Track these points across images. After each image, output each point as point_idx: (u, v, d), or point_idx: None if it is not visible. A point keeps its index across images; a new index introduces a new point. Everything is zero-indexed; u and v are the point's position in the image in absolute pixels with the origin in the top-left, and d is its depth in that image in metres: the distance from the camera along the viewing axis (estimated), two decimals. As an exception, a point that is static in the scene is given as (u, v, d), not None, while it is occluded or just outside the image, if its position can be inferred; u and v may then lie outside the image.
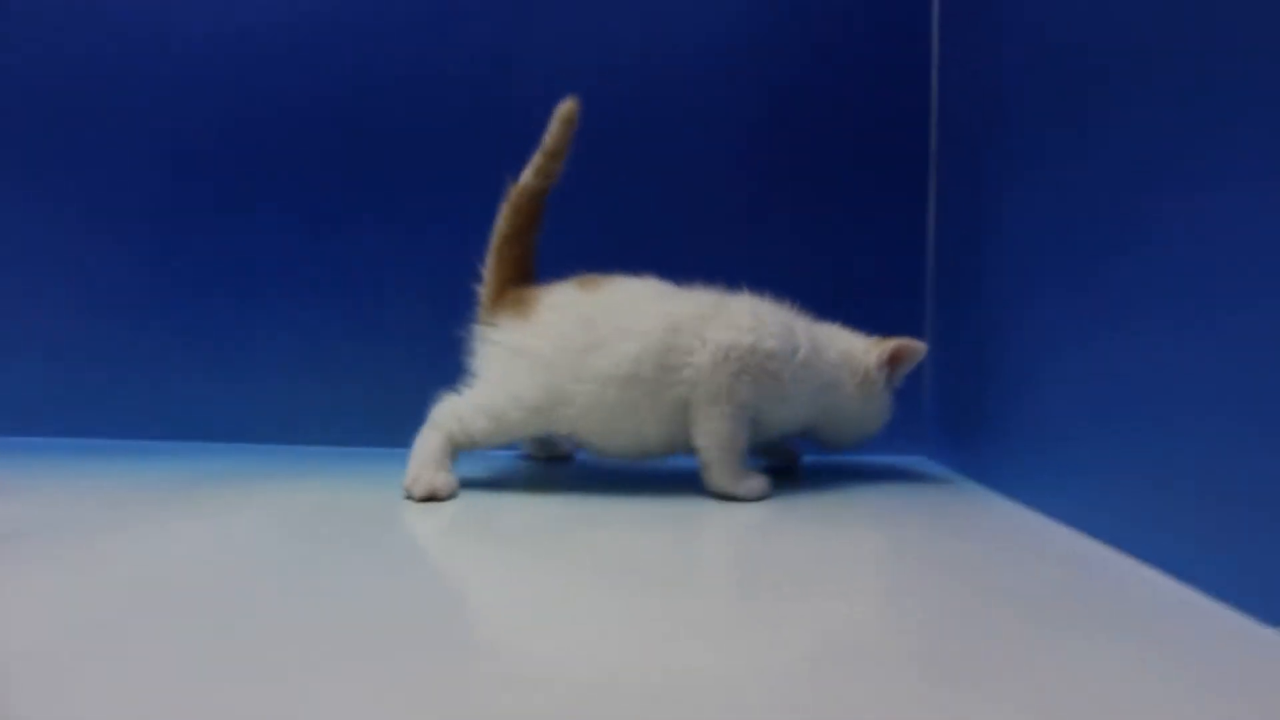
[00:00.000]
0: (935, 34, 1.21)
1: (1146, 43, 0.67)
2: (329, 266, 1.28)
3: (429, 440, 0.93)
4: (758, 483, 0.92)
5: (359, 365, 1.27)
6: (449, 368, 1.06)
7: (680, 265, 1.00)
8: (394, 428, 1.15)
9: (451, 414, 0.93)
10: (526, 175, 1.00)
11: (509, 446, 1.14)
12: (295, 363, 1.28)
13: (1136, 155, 0.68)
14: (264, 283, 1.29)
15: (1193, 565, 0.59)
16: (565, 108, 1.00)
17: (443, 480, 0.89)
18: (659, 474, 1.05)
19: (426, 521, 0.80)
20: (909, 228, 1.22)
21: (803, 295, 1.03)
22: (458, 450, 0.94)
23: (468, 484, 0.97)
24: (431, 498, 0.88)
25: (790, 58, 1.23)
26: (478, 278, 1.01)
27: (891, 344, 1.00)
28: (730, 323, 0.92)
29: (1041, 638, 0.50)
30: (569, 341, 0.91)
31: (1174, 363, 0.62)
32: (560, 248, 1.03)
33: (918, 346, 1.00)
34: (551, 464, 1.15)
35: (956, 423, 1.10)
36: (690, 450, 0.93)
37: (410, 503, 0.87)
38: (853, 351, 1.01)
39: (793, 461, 1.13)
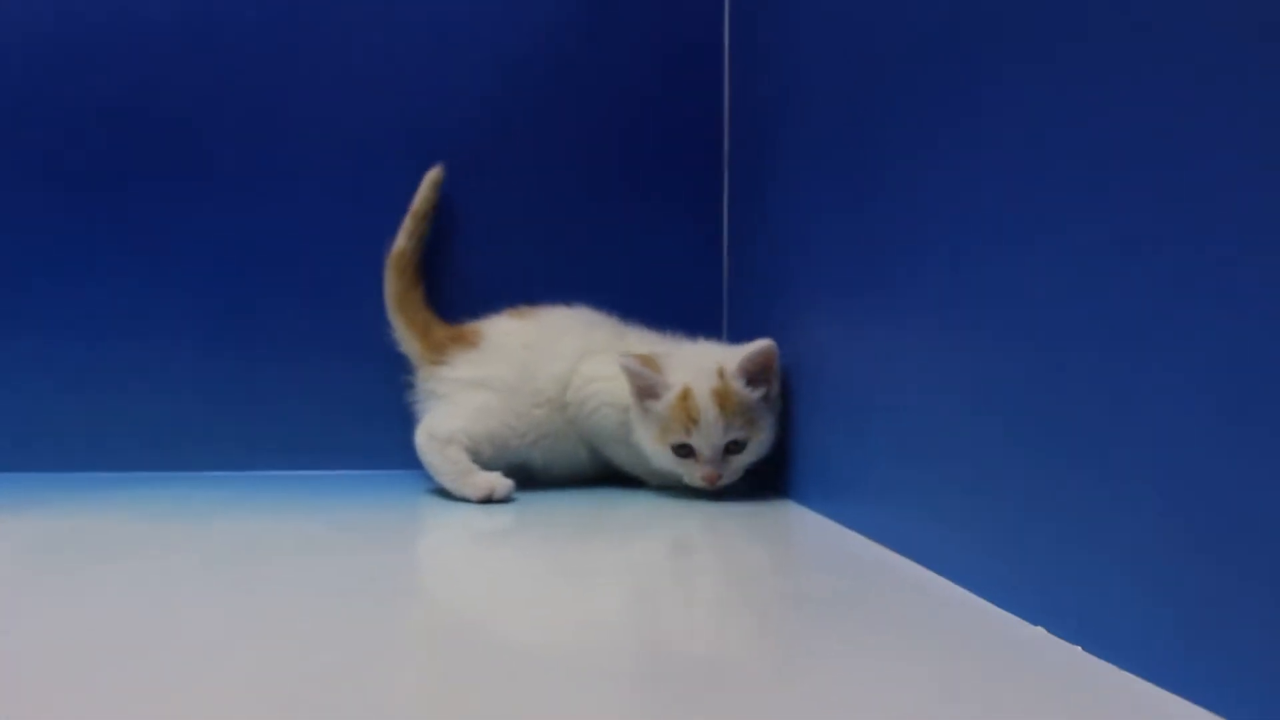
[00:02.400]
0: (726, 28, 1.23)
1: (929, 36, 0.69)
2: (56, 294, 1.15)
3: (452, 454, 0.97)
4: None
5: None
6: (207, 383, 1.04)
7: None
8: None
9: (462, 432, 0.99)
10: (400, 239, 1.11)
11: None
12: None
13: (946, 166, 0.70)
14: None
15: (971, 572, 0.62)
16: (433, 174, 1.13)
17: (498, 480, 0.96)
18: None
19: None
20: (705, 228, 1.23)
21: (604, 299, 1.09)
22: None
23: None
24: (489, 498, 0.95)
25: (586, 49, 1.21)
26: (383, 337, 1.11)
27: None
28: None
29: (817, 636, 0.51)
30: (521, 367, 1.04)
31: (937, 380, 0.64)
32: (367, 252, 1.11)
33: (623, 363, 0.98)
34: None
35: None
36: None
37: (125, 536, 0.81)
38: None
39: None
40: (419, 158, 1.14)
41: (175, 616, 0.58)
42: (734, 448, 0.96)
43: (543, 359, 1.04)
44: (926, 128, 0.68)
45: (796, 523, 0.88)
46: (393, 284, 1.11)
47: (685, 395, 0.95)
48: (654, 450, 0.98)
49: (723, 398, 0.94)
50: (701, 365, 0.97)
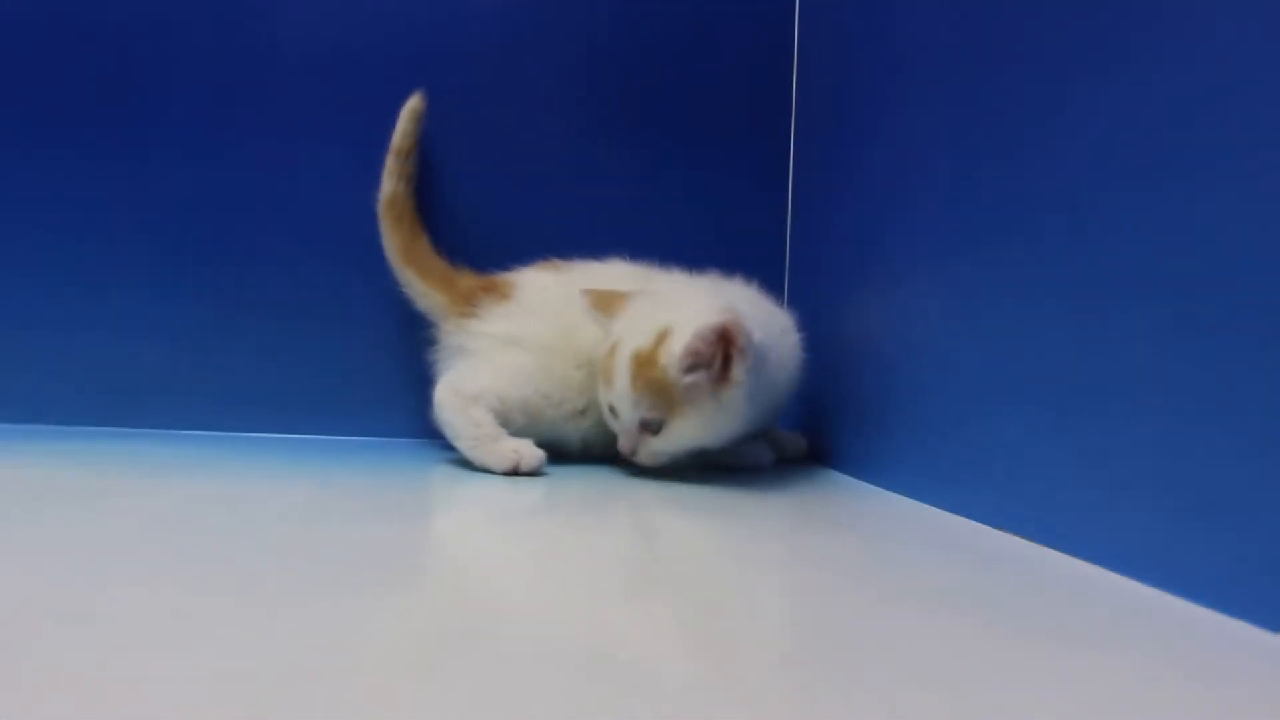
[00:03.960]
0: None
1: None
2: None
3: (477, 415, 0.83)
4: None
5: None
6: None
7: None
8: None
9: (491, 392, 0.85)
10: (386, 183, 0.97)
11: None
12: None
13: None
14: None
15: (1168, 567, 0.48)
16: (412, 104, 0.97)
17: (527, 449, 0.82)
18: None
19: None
20: (766, 178, 1.08)
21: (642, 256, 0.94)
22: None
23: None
24: (515, 470, 0.81)
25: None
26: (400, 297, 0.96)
27: None
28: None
29: (980, 641, 0.37)
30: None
31: (1059, 340, 0.50)
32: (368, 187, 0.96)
33: (581, 300, 0.86)
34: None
35: (817, 406, 0.97)
36: None
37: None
38: None
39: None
40: (427, 86, 0.98)
41: (103, 592, 0.43)
42: (648, 427, 0.80)
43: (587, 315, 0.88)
44: (1067, 61, 0.56)
45: (873, 504, 0.73)
46: (391, 234, 0.96)
47: (613, 350, 0.80)
48: (601, 397, 0.84)
49: (640, 366, 0.77)
50: (656, 317, 0.79)
